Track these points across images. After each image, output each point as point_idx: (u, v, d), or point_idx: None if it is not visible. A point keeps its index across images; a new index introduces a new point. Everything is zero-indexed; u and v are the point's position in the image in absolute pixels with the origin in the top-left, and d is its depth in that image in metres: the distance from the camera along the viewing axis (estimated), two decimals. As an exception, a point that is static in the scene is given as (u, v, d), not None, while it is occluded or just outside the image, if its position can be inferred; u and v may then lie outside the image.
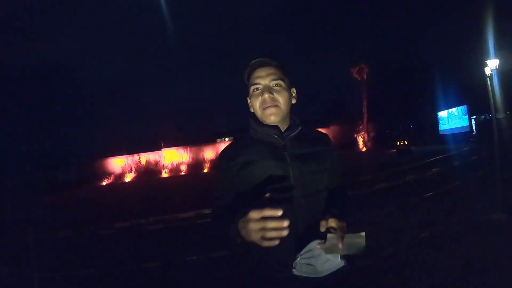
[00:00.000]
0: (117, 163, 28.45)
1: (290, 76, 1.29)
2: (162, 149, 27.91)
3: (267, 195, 0.96)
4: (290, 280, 1.13)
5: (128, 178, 27.01)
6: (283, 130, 1.26)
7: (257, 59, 1.25)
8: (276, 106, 1.22)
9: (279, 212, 0.89)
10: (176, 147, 27.77)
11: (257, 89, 1.24)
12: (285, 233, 0.89)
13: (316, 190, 1.21)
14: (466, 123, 20.60)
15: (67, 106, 36.45)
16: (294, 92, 1.31)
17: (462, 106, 20.90)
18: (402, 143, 19.27)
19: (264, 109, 1.22)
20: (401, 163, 11.14)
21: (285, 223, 0.89)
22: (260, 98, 1.23)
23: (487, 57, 5.95)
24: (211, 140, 31.42)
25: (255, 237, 0.92)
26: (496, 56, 6.05)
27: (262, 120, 1.26)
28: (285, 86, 1.25)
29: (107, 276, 3.82)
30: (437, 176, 5.12)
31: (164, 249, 4.97)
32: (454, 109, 21.98)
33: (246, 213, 0.94)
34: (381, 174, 5.99)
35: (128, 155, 28.31)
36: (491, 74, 5.90)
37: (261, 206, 0.92)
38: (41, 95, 34.87)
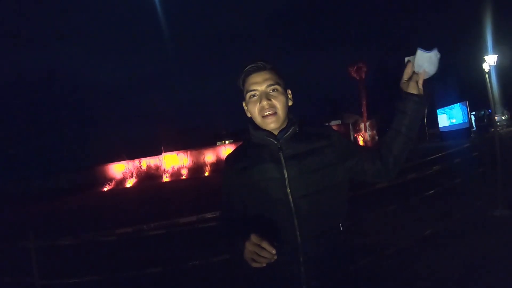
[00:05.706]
0: (117, 169, 28.43)
1: (284, 78, 1.28)
2: (162, 154, 27.89)
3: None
4: (296, 279, 1.16)
5: (129, 183, 26.97)
6: (279, 131, 1.25)
7: (252, 64, 1.24)
8: (275, 113, 1.22)
9: (273, 251, 1.01)
10: (177, 151, 27.74)
11: (254, 95, 1.24)
12: (272, 261, 1.03)
13: (318, 188, 1.18)
14: (466, 119, 20.50)
15: (67, 112, 36.25)
16: (290, 94, 1.30)
17: (462, 102, 20.80)
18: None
19: (264, 117, 1.23)
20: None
21: (274, 257, 1.02)
22: (258, 105, 1.23)
23: (486, 53, 5.96)
24: (211, 143, 31.36)
25: (247, 255, 1.07)
26: (495, 52, 6.05)
27: (260, 126, 1.26)
28: (281, 90, 1.24)
29: (110, 282, 3.81)
30: (438, 174, 5.09)
31: (166, 254, 4.95)
32: (453, 105, 21.92)
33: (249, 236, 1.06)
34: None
35: (128, 160, 28.28)
36: (489, 70, 5.91)
37: (265, 231, 1.07)
38: (40, 100, 34.73)
